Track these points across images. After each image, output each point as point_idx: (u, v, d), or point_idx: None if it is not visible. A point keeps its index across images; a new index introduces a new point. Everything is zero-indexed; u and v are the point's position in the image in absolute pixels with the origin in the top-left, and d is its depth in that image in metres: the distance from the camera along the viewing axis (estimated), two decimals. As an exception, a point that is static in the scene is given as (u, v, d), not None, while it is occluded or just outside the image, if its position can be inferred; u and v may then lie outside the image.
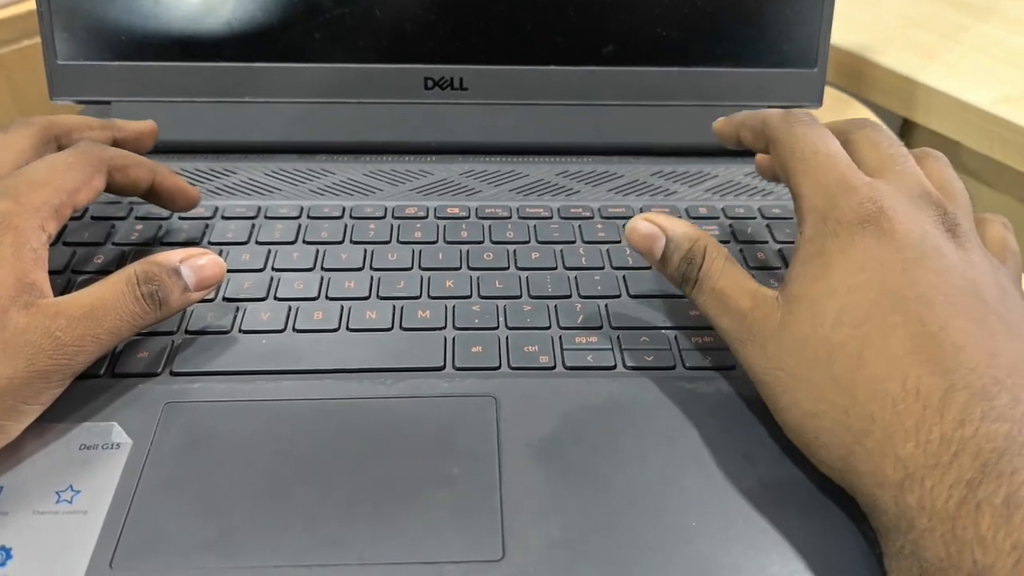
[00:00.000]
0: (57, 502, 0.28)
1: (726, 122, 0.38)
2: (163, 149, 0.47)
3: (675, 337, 0.35)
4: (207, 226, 0.41)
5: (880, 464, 0.25)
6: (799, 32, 0.48)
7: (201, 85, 0.47)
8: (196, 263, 0.33)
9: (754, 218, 0.44)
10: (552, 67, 0.48)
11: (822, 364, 0.28)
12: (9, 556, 0.26)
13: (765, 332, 0.29)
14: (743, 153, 0.49)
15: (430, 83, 0.48)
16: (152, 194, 0.39)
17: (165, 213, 0.42)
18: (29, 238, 0.31)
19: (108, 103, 0.47)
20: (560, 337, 0.35)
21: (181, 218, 0.42)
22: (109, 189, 0.37)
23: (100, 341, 0.30)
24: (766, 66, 0.48)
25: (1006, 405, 0.25)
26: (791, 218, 0.44)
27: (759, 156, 0.40)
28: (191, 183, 0.44)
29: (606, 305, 0.37)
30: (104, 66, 0.46)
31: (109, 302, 0.31)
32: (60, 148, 0.37)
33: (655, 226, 0.33)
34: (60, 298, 0.30)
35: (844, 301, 0.28)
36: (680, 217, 0.43)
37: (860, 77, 0.64)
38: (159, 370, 0.33)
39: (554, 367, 0.34)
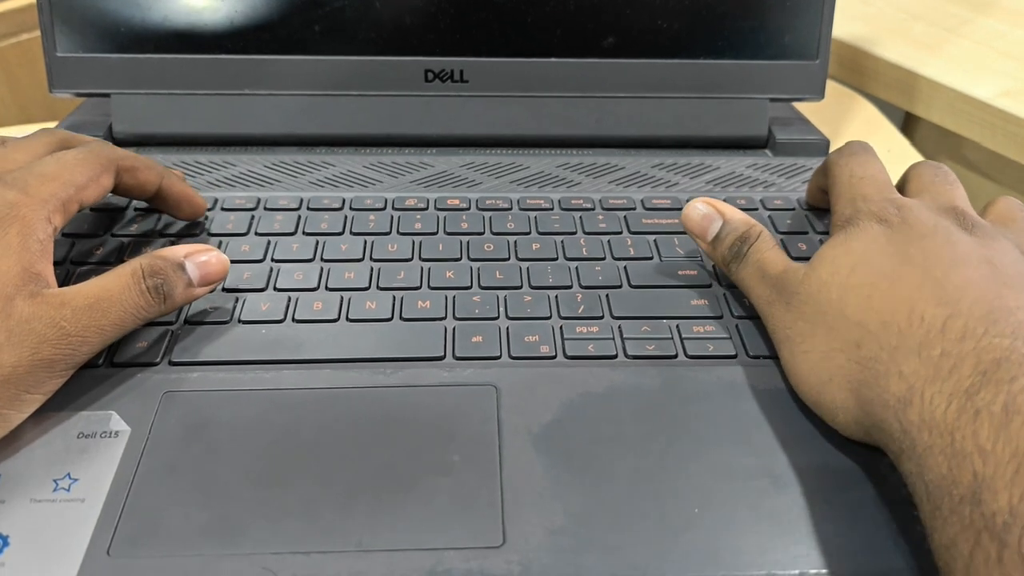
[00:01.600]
0: (55, 490, 0.28)
1: (809, 183, 0.42)
2: (163, 142, 0.48)
3: (676, 326, 0.35)
4: (206, 218, 0.41)
5: (886, 385, 0.26)
6: (800, 24, 0.48)
7: (201, 77, 0.47)
8: (200, 259, 0.34)
9: (756, 209, 0.43)
10: (553, 59, 0.48)
11: (835, 304, 0.30)
12: (6, 544, 0.26)
13: (790, 289, 0.32)
14: (744, 146, 0.49)
15: (430, 75, 0.48)
16: (158, 199, 0.39)
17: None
18: (35, 229, 0.31)
19: (107, 95, 0.47)
20: (561, 327, 0.35)
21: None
22: (116, 190, 0.37)
23: (104, 332, 0.30)
24: (767, 58, 0.48)
25: (1010, 325, 0.26)
26: (792, 209, 0.43)
27: (808, 183, 0.43)
28: (191, 176, 0.44)
29: (607, 295, 0.37)
30: (103, 58, 0.46)
31: (114, 294, 0.31)
32: None
33: (714, 210, 0.36)
34: (65, 288, 0.30)
35: (859, 259, 0.31)
36: (680, 209, 0.43)
37: (862, 70, 0.64)
38: (158, 359, 0.33)
39: (555, 356, 0.34)
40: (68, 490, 0.28)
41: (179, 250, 0.33)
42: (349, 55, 0.47)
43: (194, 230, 0.40)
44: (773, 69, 0.48)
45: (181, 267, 0.33)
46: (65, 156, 0.34)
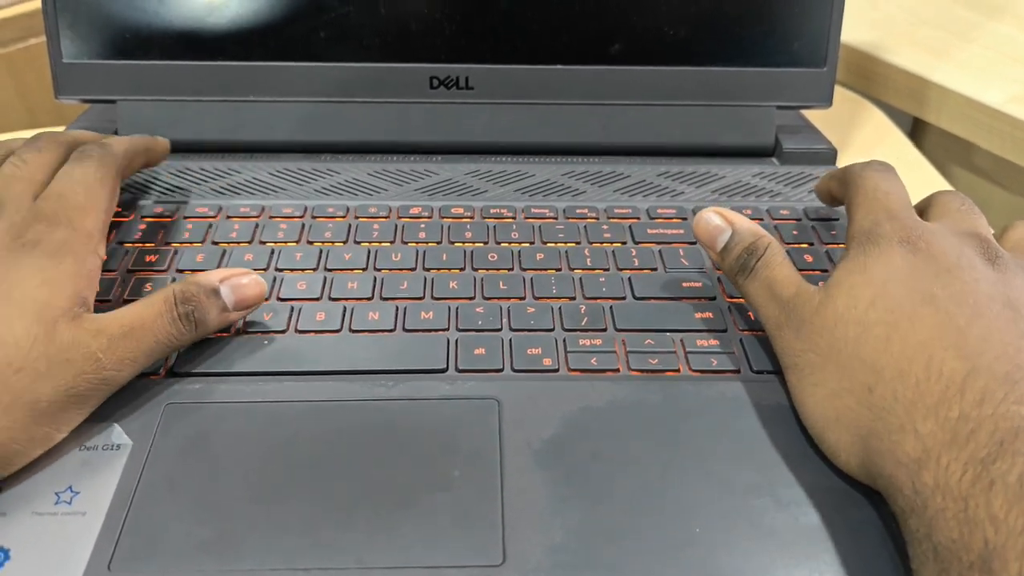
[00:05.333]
0: (56, 503, 0.28)
1: (820, 182, 0.41)
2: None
3: (680, 340, 0.35)
4: (211, 225, 0.41)
5: (900, 442, 0.26)
6: (808, 31, 0.47)
7: (206, 84, 0.47)
8: (237, 282, 0.34)
9: (762, 219, 0.43)
10: (558, 66, 0.47)
11: (851, 343, 0.29)
12: (7, 557, 0.26)
13: (802, 315, 0.31)
14: (750, 154, 0.49)
15: (435, 82, 0.47)
16: (145, 166, 0.42)
17: (169, 213, 0.42)
18: (86, 261, 0.32)
19: (113, 102, 0.47)
20: (564, 339, 0.35)
21: (186, 218, 0.42)
22: None
23: (137, 363, 0.31)
24: (775, 65, 0.48)
25: None
26: (799, 219, 0.43)
27: (819, 181, 0.41)
28: (195, 183, 0.44)
29: (611, 307, 0.37)
30: (109, 65, 0.46)
31: (148, 322, 0.31)
32: None
33: (724, 220, 0.35)
34: (101, 315, 0.31)
35: (879, 291, 0.29)
36: (686, 219, 0.43)
37: (871, 76, 0.63)
38: (160, 370, 0.33)
39: (557, 370, 0.33)
40: (70, 503, 0.28)
41: (215, 275, 0.34)
42: (354, 62, 0.47)
43: (198, 239, 0.40)
44: (780, 76, 0.48)
45: (215, 292, 0.33)
46: (87, 178, 0.35)
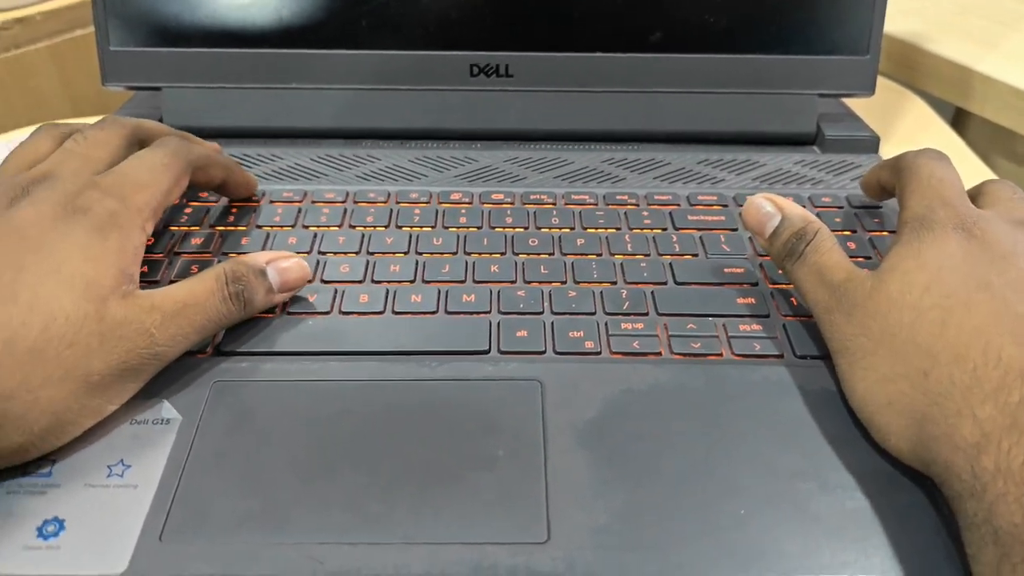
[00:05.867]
0: (108, 476, 0.28)
1: (867, 174, 0.40)
2: (212, 135, 0.48)
3: (723, 324, 0.35)
4: (255, 210, 0.42)
5: (956, 426, 0.26)
6: (851, 18, 0.47)
7: (249, 71, 0.47)
8: (281, 265, 0.35)
9: (803, 207, 0.43)
10: (599, 54, 0.47)
11: (905, 328, 0.29)
12: (62, 528, 0.27)
13: (854, 300, 0.31)
14: (791, 142, 0.49)
15: (475, 70, 0.48)
16: (222, 187, 0.41)
17: (214, 197, 0.42)
18: (132, 236, 0.32)
19: (158, 88, 0.48)
20: (606, 323, 0.35)
21: (231, 202, 0.42)
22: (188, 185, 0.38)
23: (188, 339, 0.31)
24: (816, 53, 0.47)
25: None
26: (841, 207, 0.43)
27: (867, 173, 0.41)
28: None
29: (652, 292, 0.37)
30: (155, 52, 0.47)
31: (200, 299, 0.32)
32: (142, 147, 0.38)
33: (774, 206, 0.36)
34: (154, 291, 0.31)
35: (933, 276, 0.29)
36: (727, 206, 0.42)
37: (914, 66, 0.63)
38: (208, 349, 0.33)
39: (600, 352, 0.34)
40: (122, 476, 0.28)
41: (261, 256, 0.34)
42: (395, 49, 0.47)
43: (243, 223, 0.41)
44: (822, 64, 0.48)
45: (262, 273, 0.34)
46: (154, 161, 0.35)
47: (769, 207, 0.35)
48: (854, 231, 0.41)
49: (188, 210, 0.42)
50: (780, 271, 0.36)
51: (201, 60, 0.47)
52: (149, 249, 0.39)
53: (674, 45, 0.47)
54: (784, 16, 0.47)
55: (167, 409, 0.31)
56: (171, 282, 0.37)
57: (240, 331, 0.34)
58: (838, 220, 0.42)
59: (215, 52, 0.47)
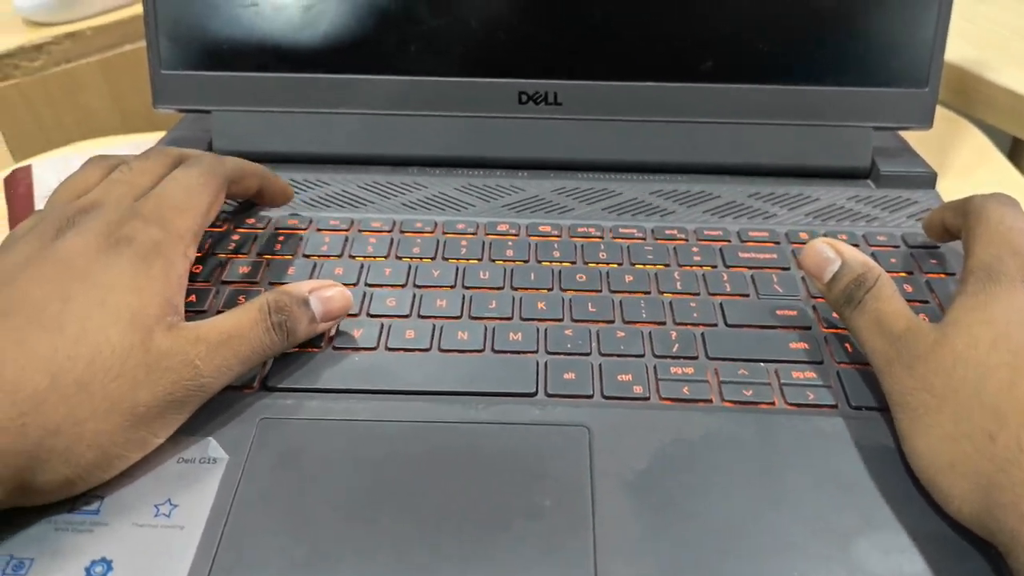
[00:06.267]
0: (155, 515, 0.28)
1: (932, 214, 0.40)
2: (260, 158, 0.48)
3: (775, 371, 0.34)
4: (301, 238, 0.42)
5: None
6: (910, 49, 0.46)
7: (299, 95, 0.47)
8: (324, 294, 0.34)
9: (857, 245, 0.42)
10: (648, 83, 0.47)
11: (971, 385, 0.27)
12: (110, 568, 0.27)
13: (916, 352, 0.30)
14: (845, 175, 0.48)
15: (524, 97, 0.47)
16: (257, 196, 0.41)
17: (261, 224, 0.42)
18: (175, 264, 0.32)
19: (208, 111, 0.48)
20: (655, 366, 0.34)
21: (277, 229, 0.42)
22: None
23: (232, 371, 0.31)
24: (873, 85, 0.46)
25: None
26: (897, 247, 0.42)
27: (931, 213, 0.40)
28: (287, 194, 0.45)
29: (702, 334, 0.36)
30: (205, 76, 0.47)
31: (244, 330, 0.32)
32: None
33: (834, 250, 0.34)
34: (199, 322, 0.31)
35: (1001, 331, 0.28)
36: (779, 243, 0.42)
37: (970, 95, 0.61)
38: (254, 383, 0.33)
39: (648, 398, 0.33)
40: (168, 516, 0.28)
41: (304, 286, 0.34)
42: (444, 76, 0.47)
43: (291, 251, 0.41)
44: (879, 96, 0.47)
45: (305, 303, 0.34)
46: (189, 181, 0.35)
47: (829, 251, 0.34)
48: (911, 273, 0.40)
49: (236, 236, 0.42)
50: (838, 317, 0.35)
51: (251, 84, 0.47)
52: (196, 278, 0.39)
53: (726, 74, 0.47)
54: (840, 46, 0.46)
55: (214, 448, 0.31)
56: (218, 311, 0.37)
57: (286, 365, 0.34)
58: (894, 260, 0.41)
59: (265, 76, 0.47)
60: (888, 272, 0.39)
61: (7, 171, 0.54)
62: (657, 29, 0.46)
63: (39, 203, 0.50)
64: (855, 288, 0.33)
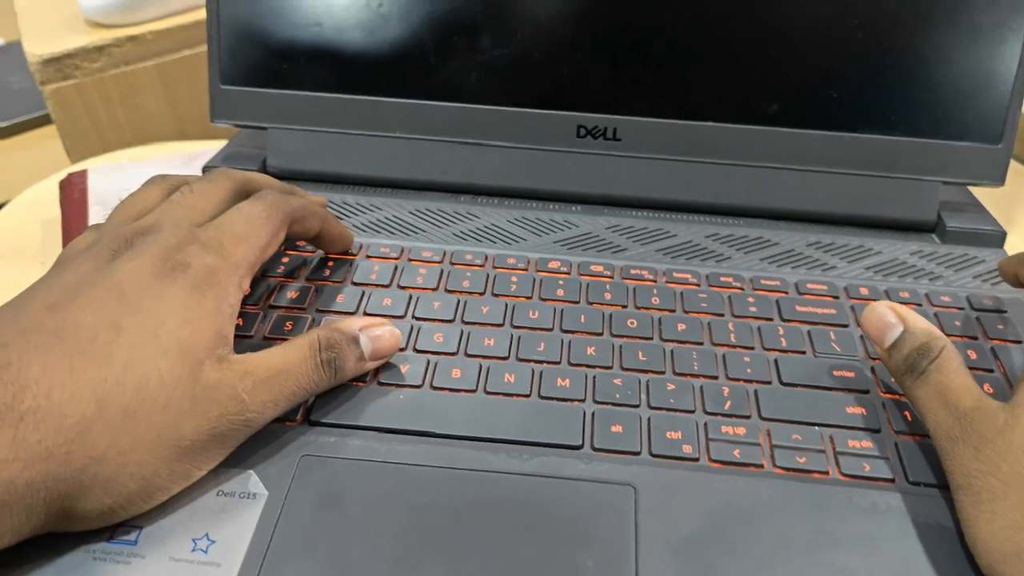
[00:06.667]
0: (193, 550, 0.28)
1: (1008, 260, 0.39)
2: (312, 178, 0.48)
3: (830, 436, 0.33)
4: (351, 264, 0.41)
5: None
6: (985, 103, 0.44)
7: (355, 117, 0.47)
8: (374, 333, 0.34)
9: (919, 304, 0.40)
10: (711, 123, 0.46)
11: None
12: (145, 604, 0.27)
13: (982, 433, 0.29)
14: (908, 228, 0.46)
15: (582, 131, 0.46)
16: (317, 239, 0.40)
17: (311, 248, 0.42)
18: (229, 294, 0.32)
19: (264, 128, 0.48)
20: (705, 423, 0.33)
21: (327, 254, 0.42)
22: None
23: (278, 407, 0.31)
24: (943, 138, 0.45)
25: None
26: (961, 308, 0.40)
27: (1006, 259, 0.39)
28: (338, 216, 0.45)
29: (755, 391, 0.35)
30: (263, 93, 0.47)
31: (293, 366, 0.31)
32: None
33: (896, 315, 0.33)
34: (249, 356, 0.31)
35: None
36: (838, 297, 0.40)
37: (1039, 146, 0.59)
38: (297, 417, 0.33)
39: (698, 459, 0.32)
40: (206, 552, 0.28)
41: (354, 323, 0.34)
42: (503, 105, 0.46)
43: (339, 278, 0.40)
44: (949, 150, 0.45)
45: (355, 340, 0.33)
46: (252, 213, 0.35)
47: (891, 316, 0.33)
48: (975, 338, 0.38)
49: (285, 259, 0.41)
50: (897, 385, 0.33)
51: (308, 103, 0.47)
52: (245, 301, 0.39)
53: (792, 119, 0.45)
54: (912, 96, 0.45)
55: (254, 483, 0.30)
56: (264, 337, 0.37)
57: (330, 399, 0.34)
58: (957, 323, 0.39)
59: (323, 96, 0.47)
60: (951, 336, 0.38)
61: (63, 173, 0.55)
62: (723, 69, 0.45)
63: (92, 208, 0.51)
64: (919, 357, 0.32)
